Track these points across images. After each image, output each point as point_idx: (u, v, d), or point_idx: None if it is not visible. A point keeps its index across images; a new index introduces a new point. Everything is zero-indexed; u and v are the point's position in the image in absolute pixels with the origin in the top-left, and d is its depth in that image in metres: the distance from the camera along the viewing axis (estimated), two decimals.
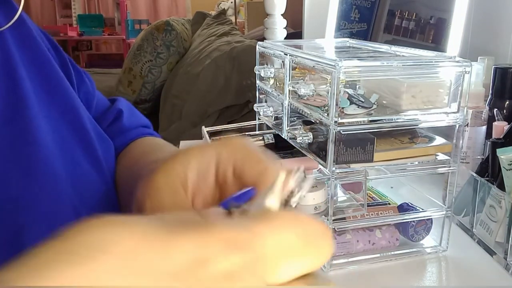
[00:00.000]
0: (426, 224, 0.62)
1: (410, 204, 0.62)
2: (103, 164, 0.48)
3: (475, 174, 0.65)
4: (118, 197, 0.50)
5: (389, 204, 0.63)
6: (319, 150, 0.57)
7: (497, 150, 0.61)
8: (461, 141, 0.58)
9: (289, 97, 0.63)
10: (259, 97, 0.77)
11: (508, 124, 0.65)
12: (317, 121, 0.57)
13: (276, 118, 0.70)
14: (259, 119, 0.77)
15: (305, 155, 0.61)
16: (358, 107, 0.55)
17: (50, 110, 0.45)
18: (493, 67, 0.74)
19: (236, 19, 3.71)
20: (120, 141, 0.54)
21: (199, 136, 0.77)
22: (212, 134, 0.75)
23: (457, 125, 0.58)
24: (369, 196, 0.66)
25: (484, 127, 0.72)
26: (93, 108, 0.54)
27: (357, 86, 0.58)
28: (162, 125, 1.84)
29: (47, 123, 0.43)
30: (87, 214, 0.44)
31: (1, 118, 0.40)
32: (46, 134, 0.42)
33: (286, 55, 0.63)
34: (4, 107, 0.40)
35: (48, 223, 0.39)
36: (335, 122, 0.52)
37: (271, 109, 0.71)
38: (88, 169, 0.46)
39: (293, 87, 0.59)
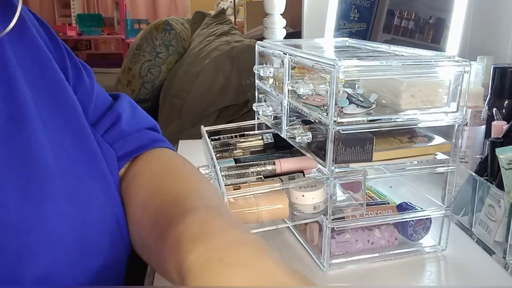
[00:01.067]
0: (425, 224, 0.62)
1: (409, 204, 0.62)
2: (109, 177, 0.46)
3: (474, 174, 0.65)
4: (128, 217, 0.47)
5: (388, 203, 0.63)
6: (318, 149, 0.57)
7: (496, 149, 0.61)
8: (460, 141, 0.58)
9: (288, 96, 0.63)
10: (258, 96, 0.77)
11: (507, 123, 0.65)
12: (316, 121, 0.57)
13: (275, 118, 0.70)
14: (258, 118, 0.77)
15: (304, 155, 0.61)
16: (357, 107, 0.55)
17: (54, 119, 0.42)
18: (492, 66, 0.74)
19: (235, 18, 3.72)
20: (120, 147, 0.51)
21: (198, 136, 0.77)
22: (211, 133, 0.75)
23: (456, 125, 0.58)
24: (368, 196, 0.66)
25: (483, 127, 0.72)
26: (90, 111, 0.50)
27: (356, 86, 0.58)
28: (161, 125, 1.82)
29: (49, 135, 0.41)
30: (93, 237, 0.43)
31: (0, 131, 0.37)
32: (47, 149, 0.40)
33: (286, 54, 0.63)
34: (1, 119, 0.38)
35: (48, 248, 0.37)
36: (334, 121, 0.52)
37: (270, 108, 0.71)
38: (92, 186, 0.44)
39: (292, 86, 0.59)
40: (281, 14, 1.43)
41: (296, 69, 0.63)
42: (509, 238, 0.57)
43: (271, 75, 0.70)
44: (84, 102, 0.49)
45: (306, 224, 0.63)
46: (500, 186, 0.60)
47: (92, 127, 0.49)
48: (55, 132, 0.42)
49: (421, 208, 0.61)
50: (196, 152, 0.76)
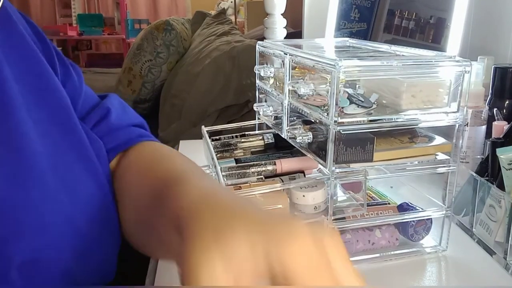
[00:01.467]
0: (425, 224, 0.62)
1: (409, 204, 0.62)
2: (97, 166, 0.47)
3: (474, 174, 0.65)
4: (124, 204, 0.48)
5: (389, 203, 0.63)
6: (318, 149, 0.57)
7: (497, 149, 0.61)
8: (461, 141, 0.58)
9: (289, 96, 0.63)
10: (258, 96, 0.77)
11: (508, 123, 0.65)
12: (317, 121, 0.57)
13: (276, 118, 0.70)
14: (258, 118, 0.77)
15: (305, 155, 0.61)
16: (358, 107, 0.55)
17: (40, 110, 0.42)
18: (493, 66, 0.74)
19: (236, 18, 3.72)
20: (109, 141, 0.51)
21: (199, 136, 0.77)
22: (212, 133, 0.75)
23: (457, 125, 0.58)
24: (368, 196, 0.66)
25: (484, 127, 0.72)
26: (79, 106, 0.51)
27: (357, 86, 0.58)
28: (161, 125, 1.83)
29: (36, 126, 0.41)
30: (84, 222, 0.43)
31: None
32: (34, 138, 0.40)
33: (286, 54, 0.63)
34: None
35: (37, 233, 0.38)
36: (335, 121, 0.52)
37: (270, 108, 0.71)
38: (81, 174, 0.44)
39: (293, 86, 0.59)
40: (281, 14, 1.43)
41: (296, 69, 0.63)
42: (509, 238, 0.57)
43: (272, 75, 0.70)
44: (73, 96, 0.49)
45: None
46: (501, 186, 0.60)
47: (81, 121, 0.49)
48: (42, 122, 0.42)
49: (422, 209, 0.61)
50: (197, 152, 0.76)
